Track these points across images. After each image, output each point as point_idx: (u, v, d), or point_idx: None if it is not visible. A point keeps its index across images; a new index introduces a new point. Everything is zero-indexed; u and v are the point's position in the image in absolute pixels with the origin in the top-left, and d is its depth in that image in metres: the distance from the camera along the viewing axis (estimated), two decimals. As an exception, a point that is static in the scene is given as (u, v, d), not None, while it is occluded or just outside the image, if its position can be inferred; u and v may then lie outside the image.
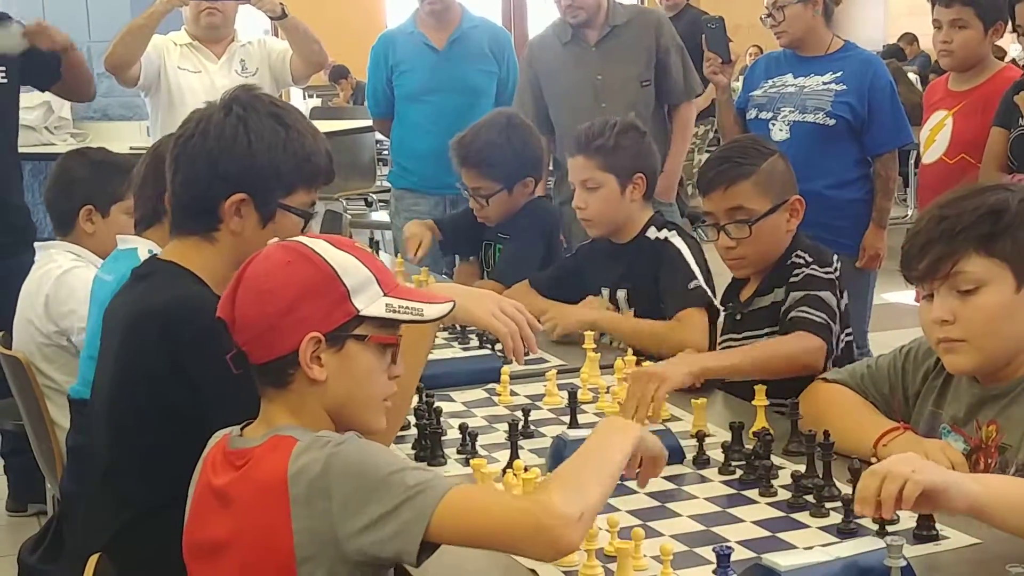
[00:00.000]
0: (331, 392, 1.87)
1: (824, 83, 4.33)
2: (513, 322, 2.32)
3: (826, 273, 2.85)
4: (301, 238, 1.95)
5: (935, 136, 4.21)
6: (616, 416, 2.02)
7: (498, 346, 3.21)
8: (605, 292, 3.48)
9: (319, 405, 1.88)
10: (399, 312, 1.89)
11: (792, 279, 2.85)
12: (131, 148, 5.63)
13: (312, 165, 2.32)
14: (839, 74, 4.32)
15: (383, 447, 1.84)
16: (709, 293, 3.22)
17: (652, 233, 3.38)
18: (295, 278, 1.85)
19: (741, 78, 5.11)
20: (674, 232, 3.36)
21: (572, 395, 2.66)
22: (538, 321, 2.50)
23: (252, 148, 2.24)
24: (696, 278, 3.22)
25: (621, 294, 3.43)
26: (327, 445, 1.76)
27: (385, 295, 1.89)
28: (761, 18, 4.53)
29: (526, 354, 2.36)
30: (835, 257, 2.93)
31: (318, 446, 1.77)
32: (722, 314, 3.11)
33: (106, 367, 2.33)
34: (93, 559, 2.15)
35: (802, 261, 2.87)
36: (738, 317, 2.99)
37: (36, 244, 3.77)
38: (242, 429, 1.92)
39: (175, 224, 2.36)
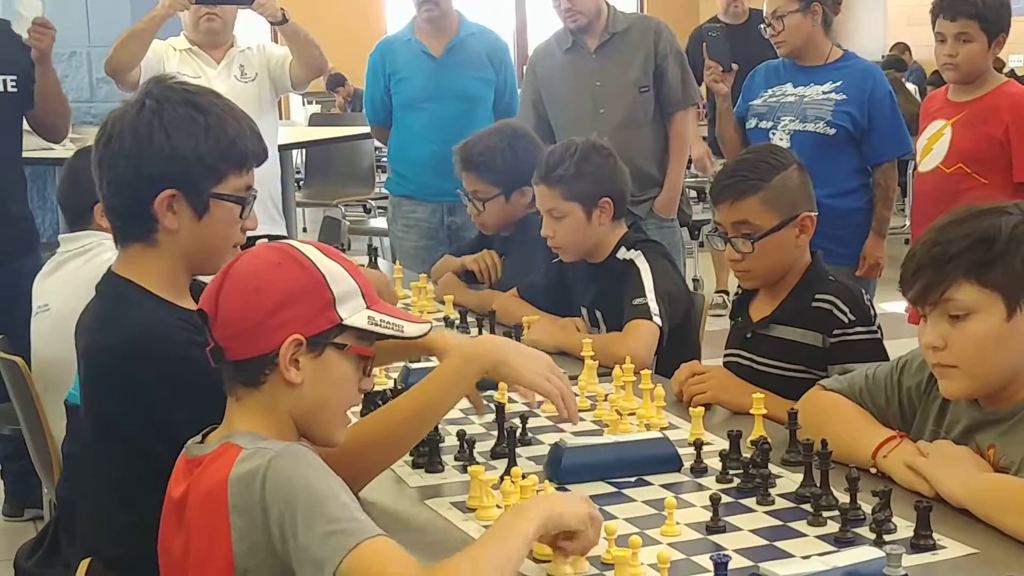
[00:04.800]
0: (303, 396, 1.88)
1: (824, 92, 4.33)
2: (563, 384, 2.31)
3: (872, 334, 2.83)
4: (292, 241, 1.95)
5: (932, 145, 4.22)
6: (523, 501, 2.00)
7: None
8: (584, 312, 3.50)
9: (287, 409, 1.89)
10: (380, 325, 1.91)
11: (833, 339, 2.81)
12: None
13: (238, 149, 2.23)
14: (839, 83, 4.32)
15: (317, 462, 1.80)
16: (653, 308, 3.20)
17: (621, 253, 3.40)
18: (284, 279, 1.86)
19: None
20: (639, 253, 3.37)
21: (499, 409, 2.55)
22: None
23: (171, 140, 2.16)
24: (643, 296, 3.23)
25: (599, 315, 3.45)
26: (265, 455, 1.76)
27: (368, 308, 1.91)
28: (760, 28, 4.53)
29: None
30: (865, 295, 2.91)
31: (258, 456, 1.76)
32: (729, 326, 3.10)
33: (82, 390, 2.30)
34: (84, 564, 2.14)
35: (843, 317, 2.81)
36: (748, 335, 2.97)
37: (61, 237, 3.73)
38: (204, 436, 1.92)
39: (115, 233, 2.29)
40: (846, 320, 2.81)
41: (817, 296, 2.85)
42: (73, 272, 3.57)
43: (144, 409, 2.11)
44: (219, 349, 1.88)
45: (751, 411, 2.50)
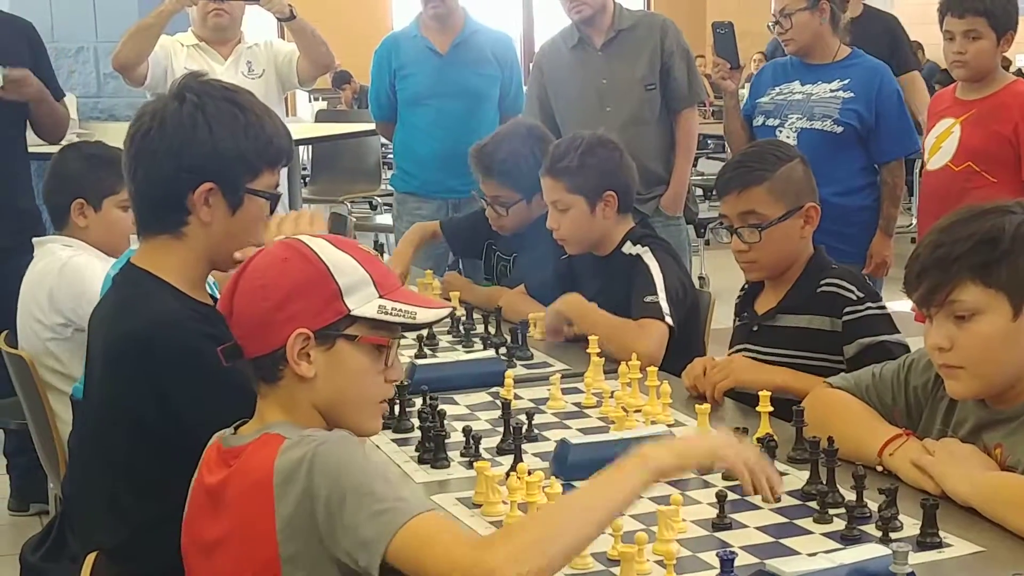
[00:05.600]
0: (320, 390, 1.88)
1: (831, 90, 4.32)
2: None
3: (881, 309, 2.83)
4: (303, 236, 1.95)
5: (941, 143, 4.21)
6: (650, 446, 1.89)
7: (501, 350, 3.22)
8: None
9: (309, 402, 1.89)
10: (391, 314, 1.89)
11: (847, 317, 2.81)
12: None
13: (275, 146, 2.28)
14: (846, 81, 4.32)
15: (361, 449, 1.83)
16: (665, 308, 3.21)
17: (628, 248, 3.41)
18: (289, 274, 1.86)
19: (747, 85, 5.10)
20: (647, 249, 3.38)
21: (505, 406, 2.60)
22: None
23: (214, 135, 2.19)
24: (655, 294, 3.23)
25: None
26: (311, 443, 1.77)
27: (381, 297, 1.89)
28: (768, 26, 4.53)
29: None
30: (868, 278, 2.92)
31: (304, 444, 1.77)
32: (736, 322, 3.10)
33: (93, 383, 2.31)
34: (90, 558, 2.15)
35: (851, 295, 2.83)
36: (755, 328, 2.98)
37: (35, 240, 3.76)
38: (236, 428, 1.93)
39: (142, 225, 2.31)
40: (855, 298, 2.82)
41: (822, 282, 2.87)
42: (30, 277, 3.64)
43: (158, 397, 2.12)
44: (237, 348, 1.89)
45: (757, 408, 2.50)
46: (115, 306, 2.28)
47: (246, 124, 2.23)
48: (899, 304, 5.22)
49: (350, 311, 1.86)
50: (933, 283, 2.18)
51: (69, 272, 3.50)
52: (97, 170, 3.57)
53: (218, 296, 1.99)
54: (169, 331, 2.13)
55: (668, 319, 3.20)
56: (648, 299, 3.23)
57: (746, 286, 3.09)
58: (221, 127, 2.20)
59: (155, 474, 2.12)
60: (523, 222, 3.96)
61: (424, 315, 1.93)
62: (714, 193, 3.41)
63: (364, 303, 1.87)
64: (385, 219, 8.09)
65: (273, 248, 1.93)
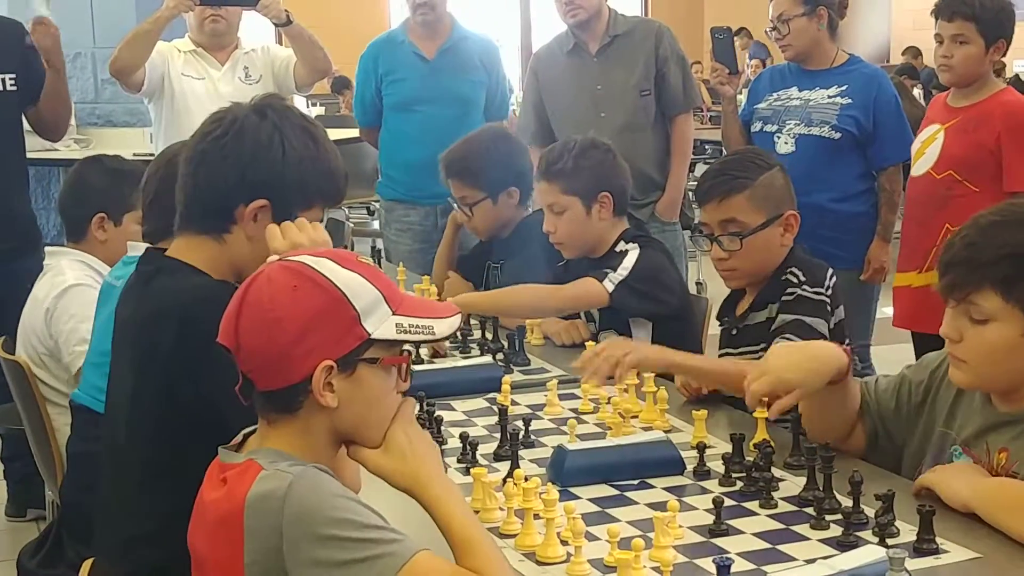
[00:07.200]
0: (342, 416, 1.82)
1: (829, 96, 4.33)
2: None
3: (816, 294, 2.84)
4: (305, 257, 1.86)
5: (925, 149, 4.18)
6: (405, 470, 1.87)
7: (498, 355, 3.23)
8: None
9: (325, 429, 1.83)
10: (410, 332, 1.83)
11: (784, 297, 2.84)
12: (135, 154, 5.58)
13: (333, 185, 2.29)
14: (844, 88, 4.32)
15: (337, 487, 1.77)
16: (611, 276, 3.31)
17: (620, 247, 3.44)
18: (304, 305, 1.78)
19: (745, 91, 5.11)
20: (636, 246, 3.40)
21: (502, 412, 2.61)
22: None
23: (286, 157, 2.21)
24: (615, 269, 3.34)
25: (595, 311, 3.47)
26: (284, 480, 1.71)
27: (394, 313, 1.83)
28: (766, 31, 4.53)
29: None
30: (830, 272, 2.91)
31: (276, 479, 1.72)
32: (718, 328, 3.11)
33: (122, 375, 2.28)
34: (87, 564, 2.14)
35: (795, 279, 2.85)
36: (734, 332, 2.99)
37: (48, 249, 3.75)
38: (245, 437, 1.89)
39: (186, 220, 2.28)
40: (796, 281, 2.85)
41: (784, 274, 2.88)
42: (36, 291, 3.62)
43: (194, 374, 2.09)
44: (249, 382, 1.82)
45: (754, 414, 2.51)
46: (147, 291, 2.25)
47: (316, 156, 2.24)
48: (890, 310, 5.21)
49: (370, 335, 1.80)
50: (956, 280, 2.20)
51: (66, 302, 3.48)
52: (120, 185, 3.57)
53: None
54: (205, 306, 2.04)
55: (607, 283, 3.30)
56: (603, 269, 3.33)
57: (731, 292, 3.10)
58: (294, 151, 2.21)
59: (179, 467, 2.06)
60: (493, 221, 3.98)
61: (441, 328, 1.87)
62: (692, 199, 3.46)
63: (381, 324, 1.81)
64: (382, 225, 8.08)
65: (275, 275, 1.83)
